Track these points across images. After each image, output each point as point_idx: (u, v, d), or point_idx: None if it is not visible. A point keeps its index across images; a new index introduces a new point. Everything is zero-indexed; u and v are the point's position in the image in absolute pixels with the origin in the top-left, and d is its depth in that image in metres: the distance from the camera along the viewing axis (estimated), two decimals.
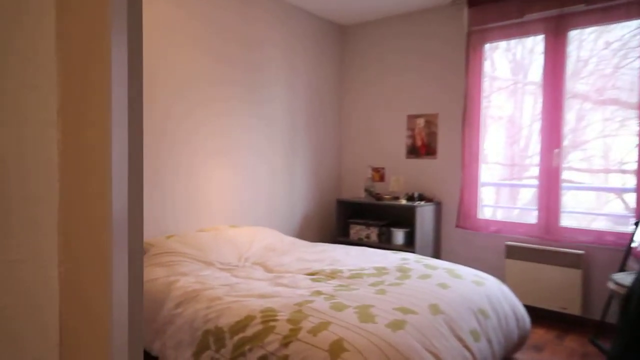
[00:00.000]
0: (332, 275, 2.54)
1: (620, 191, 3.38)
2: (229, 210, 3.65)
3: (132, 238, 0.61)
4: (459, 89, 3.95)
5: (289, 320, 1.85)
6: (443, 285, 2.34)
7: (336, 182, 4.79)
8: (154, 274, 2.56)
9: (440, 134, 4.11)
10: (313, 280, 2.46)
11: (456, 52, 3.96)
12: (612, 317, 3.03)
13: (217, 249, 2.95)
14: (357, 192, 4.64)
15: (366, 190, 4.34)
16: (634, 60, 3.21)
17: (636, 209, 3.11)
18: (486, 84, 3.83)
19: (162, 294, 2.35)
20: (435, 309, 2.04)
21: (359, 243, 4.11)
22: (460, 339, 1.95)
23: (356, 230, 4.21)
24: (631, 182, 3.21)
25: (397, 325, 1.83)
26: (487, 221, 3.81)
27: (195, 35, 3.33)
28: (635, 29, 3.18)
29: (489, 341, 2.15)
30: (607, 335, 3.08)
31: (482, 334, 2.11)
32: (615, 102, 3.33)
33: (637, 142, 3.13)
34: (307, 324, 1.81)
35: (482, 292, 2.38)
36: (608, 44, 3.33)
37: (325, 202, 4.61)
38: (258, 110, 3.86)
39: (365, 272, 2.59)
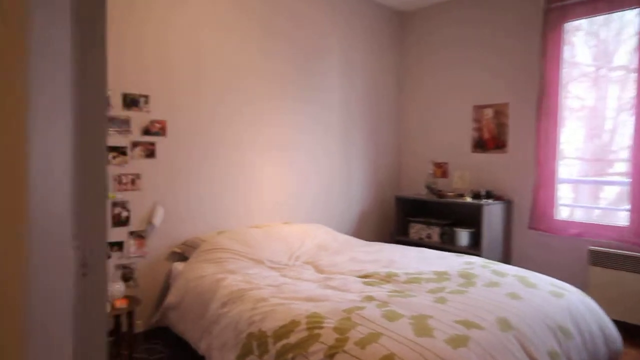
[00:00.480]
0: (387, 278, 2.34)
1: None
2: (282, 207, 3.55)
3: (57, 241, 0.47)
4: (533, 75, 3.54)
5: (335, 329, 1.69)
6: (514, 296, 2.05)
7: (395, 178, 4.54)
8: (202, 270, 2.51)
9: (511, 126, 3.72)
10: (365, 283, 2.28)
11: (531, 33, 3.55)
12: None
13: (267, 247, 2.86)
14: (417, 189, 4.36)
15: (427, 186, 4.05)
16: None
17: None
18: (565, 71, 3.40)
19: (210, 292, 2.29)
20: (504, 324, 1.77)
21: (419, 243, 3.85)
22: None
23: (416, 230, 3.94)
24: None
25: (458, 341, 1.59)
26: (567, 222, 3.39)
27: (244, 27, 3.26)
28: None
29: None
30: None
31: (562, 356, 1.80)
32: None
33: None
34: (355, 334, 1.64)
35: (562, 306, 2.06)
36: None
37: (384, 199, 4.39)
38: (312, 104, 3.72)
39: (424, 276, 2.35)
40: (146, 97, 2.79)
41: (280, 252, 2.86)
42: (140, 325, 2.73)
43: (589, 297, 2.32)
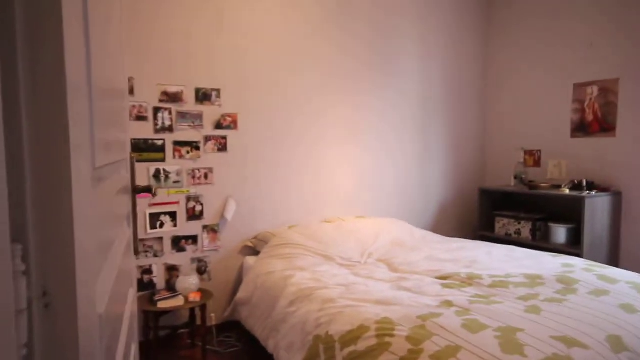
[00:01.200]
0: (469, 281, 2.09)
1: None
2: (356, 200, 3.41)
3: None
4: None
5: (408, 338, 1.51)
6: (628, 308, 1.71)
7: (479, 168, 4.16)
8: (271, 266, 2.47)
9: (621, 105, 3.19)
10: (444, 286, 2.06)
11: None
12: None
13: (339, 243, 2.74)
14: (505, 180, 3.95)
15: (516, 177, 3.65)
16: None
17: None
18: None
19: (278, 289, 2.22)
20: (617, 344, 1.46)
21: (506, 240, 3.48)
22: None
23: (503, 225, 3.57)
24: None
25: None
26: None
27: (318, 11, 3.13)
28: None
29: None
30: None
31: None
32: None
33: None
34: (430, 346, 1.45)
35: None
36: None
37: (466, 191, 4.05)
38: (386, 92, 3.51)
39: (513, 280, 2.07)
40: (218, 91, 2.80)
41: (352, 249, 2.72)
42: (214, 319, 2.77)
43: None
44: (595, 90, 3.33)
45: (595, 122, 3.34)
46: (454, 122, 3.94)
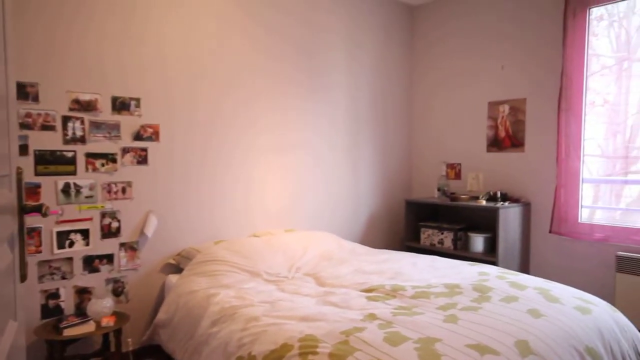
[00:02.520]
0: (393, 293, 2.13)
1: None
2: (285, 213, 3.37)
3: None
4: (553, 68, 3.29)
5: (331, 355, 1.49)
6: (535, 313, 1.83)
7: (405, 181, 4.32)
8: (195, 284, 2.35)
9: (528, 123, 3.48)
10: (369, 299, 2.08)
11: (551, 22, 3.30)
12: None
13: (266, 257, 2.68)
14: (429, 192, 4.14)
15: (439, 189, 3.82)
16: None
17: None
18: (586, 64, 3.14)
19: (201, 309, 2.12)
20: (524, 348, 1.55)
21: (431, 250, 3.63)
22: None
23: (428, 235, 3.72)
24: None
25: None
26: (592, 226, 3.13)
27: (243, 25, 3.10)
28: None
29: None
30: None
31: None
32: None
33: None
34: None
35: (589, 324, 1.82)
36: None
37: (393, 203, 4.17)
38: (316, 105, 3.54)
39: (434, 290, 2.14)
40: (137, 100, 2.64)
41: (280, 263, 2.68)
42: (131, 344, 2.58)
43: (619, 312, 2.08)
44: (506, 108, 3.60)
45: (507, 138, 3.60)
46: (383, 136, 4.06)
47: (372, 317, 1.82)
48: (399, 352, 1.48)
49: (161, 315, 2.36)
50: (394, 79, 4.15)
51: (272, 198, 3.29)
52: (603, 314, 1.95)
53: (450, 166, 4.01)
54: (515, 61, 3.53)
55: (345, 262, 2.75)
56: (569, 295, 2.08)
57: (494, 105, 3.69)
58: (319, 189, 3.58)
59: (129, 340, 2.57)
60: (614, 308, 2.08)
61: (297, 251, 2.82)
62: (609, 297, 2.96)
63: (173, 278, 2.63)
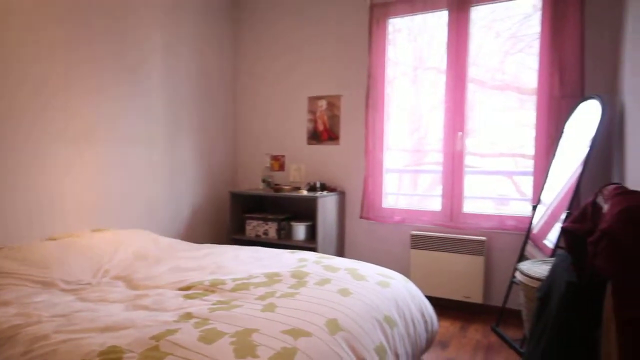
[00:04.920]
0: (212, 288, 2.05)
1: (520, 175, 3.33)
2: (93, 211, 2.96)
3: None
4: (362, 69, 3.65)
5: None
6: (344, 292, 1.99)
7: (230, 173, 4.26)
8: None
9: (343, 118, 3.79)
10: (186, 297, 1.95)
11: (360, 28, 3.64)
12: (512, 304, 2.98)
13: (64, 263, 2.29)
14: (254, 184, 4.17)
15: (264, 180, 3.88)
16: (530, 47, 3.15)
17: (533, 194, 3.07)
18: (389, 69, 3.58)
19: None
20: (333, 326, 1.66)
21: (256, 241, 3.66)
22: None
23: (253, 227, 3.74)
24: (530, 166, 3.15)
25: (284, 357, 1.41)
26: (392, 210, 3.59)
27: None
28: (529, 16, 3.12)
29: (397, 355, 1.85)
30: (507, 322, 3.03)
31: (388, 349, 1.79)
32: (510, 87, 3.26)
33: (534, 127, 3.07)
34: None
35: (388, 296, 2.07)
36: (504, 29, 3.24)
37: (218, 195, 4.07)
38: (129, 90, 3.18)
39: (254, 280, 2.14)
40: None
41: (83, 269, 2.32)
42: None
43: (411, 282, 2.42)
44: (324, 104, 3.85)
45: (325, 132, 3.86)
46: (205, 129, 3.91)
47: (187, 316, 1.71)
48: (213, 350, 1.42)
49: None
50: (217, 70, 4.03)
51: (75, 194, 2.84)
52: (399, 286, 2.24)
53: (275, 158, 4.11)
54: (332, 60, 3.80)
55: (163, 261, 2.55)
56: (373, 272, 2.33)
57: (313, 100, 3.91)
58: (133, 183, 3.25)
59: None
60: (407, 279, 2.42)
61: (106, 253, 2.50)
62: (406, 270, 3.44)
63: None
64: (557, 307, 1.46)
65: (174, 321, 1.66)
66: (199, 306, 1.82)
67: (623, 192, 1.40)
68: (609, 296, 1.30)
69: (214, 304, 1.84)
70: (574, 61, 2.87)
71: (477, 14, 3.27)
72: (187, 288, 2.07)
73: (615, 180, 2.64)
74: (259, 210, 3.97)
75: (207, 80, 3.91)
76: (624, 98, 2.54)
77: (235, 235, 3.80)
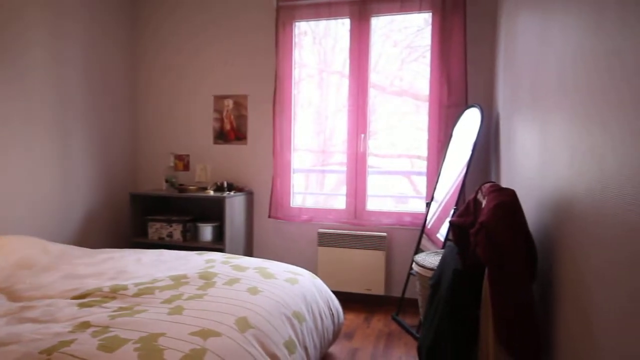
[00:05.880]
0: (112, 294, 1.94)
1: (416, 175, 3.62)
2: None
3: None
4: (269, 69, 3.68)
5: None
6: (254, 290, 2.00)
7: (130, 173, 4.01)
8: None
9: (250, 118, 3.78)
10: (81, 305, 1.82)
11: (267, 29, 3.67)
12: (411, 293, 3.23)
13: None
14: (157, 184, 3.97)
15: (167, 181, 3.72)
16: (423, 57, 3.45)
17: (427, 192, 3.36)
18: (296, 71, 3.66)
19: None
20: (243, 324, 1.67)
21: (159, 244, 3.49)
22: (273, 357, 1.64)
23: (156, 229, 3.56)
24: (424, 167, 3.45)
25: (193, 358, 1.39)
26: (300, 209, 3.68)
27: None
28: (422, 28, 3.42)
29: (305, 348, 1.91)
30: (406, 310, 3.28)
31: (297, 343, 1.85)
32: (407, 93, 3.54)
33: (427, 131, 3.37)
34: None
35: (297, 292, 2.13)
36: (402, 39, 3.51)
37: (116, 197, 3.81)
38: (9, 81, 2.83)
39: (159, 284, 2.06)
40: None
41: None
42: None
43: (318, 278, 2.51)
44: (231, 103, 3.81)
45: (232, 131, 3.82)
46: (102, 128, 3.63)
47: (84, 325, 1.59)
48: (115, 358, 1.35)
49: None
50: (114, 65, 3.77)
51: None
52: (306, 282, 2.32)
53: (179, 157, 3.96)
54: (239, 60, 3.77)
55: (53, 269, 2.32)
56: (281, 270, 2.38)
57: (219, 99, 3.84)
58: (16, 185, 2.90)
59: None
60: (315, 276, 2.51)
61: None
62: (313, 267, 3.55)
63: None
64: (446, 292, 1.64)
65: (69, 332, 1.54)
66: (97, 314, 1.71)
67: (497, 189, 1.62)
68: (486, 280, 1.50)
69: (114, 311, 1.74)
70: (459, 73, 3.21)
71: (377, 23, 3.49)
72: (83, 296, 1.93)
73: (493, 179, 3.01)
74: (162, 212, 3.80)
75: (102, 73, 3.63)
76: (499, 108, 2.91)
77: (137, 238, 3.59)
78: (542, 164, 1.65)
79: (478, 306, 1.59)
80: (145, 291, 1.96)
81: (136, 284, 2.04)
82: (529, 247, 1.47)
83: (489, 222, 1.46)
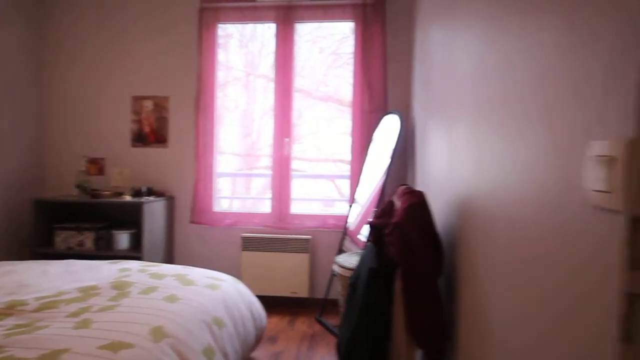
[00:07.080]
0: (9, 310, 1.76)
1: (340, 178, 3.72)
2: None
3: None
4: (192, 71, 3.57)
5: None
6: (171, 298, 1.93)
7: (35, 178, 3.67)
8: None
9: (171, 120, 3.65)
10: None
11: (190, 30, 3.56)
12: (333, 294, 3.30)
13: None
14: (67, 189, 3.68)
15: (78, 186, 3.46)
16: (348, 64, 3.56)
17: (350, 194, 3.47)
18: (221, 74, 3.60)
19: None
20: (158, 334, 1.61)
21: (68, 254, 3.23)
22: None
23: (64, 238, 3.30)
24: (348, 170, 3.55)
25: None
26: (224, 214, 3.61)
27: None
28: (347, 36, 3.53)
29: (225, 354, 1.88)
30: (329, 311, 3.34)
31: (217, 350, 1.81)
32: (332, 98, 3.64)
33: (350, 136, 3.48)
34: None
35: (217, 298, 2.09)
36: (327, 46, 3.59)
37: (17, 203, 3.47)
38: None
39: (65, 297, 1.91)
40: None
41: None
42: None
43: (241, 283, 2.48)
44: (150, 104, 3.64)
45: (151, 134, 3.65)
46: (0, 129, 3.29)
47: None
48: None
49: None
50: (15, 62, 3.44)
51: None
52: (229, 287, 2.28)
53: (93, 161, 3.71)
54: (159, 60, 3.63)
55: None
56: (202, 276, 2.32)
57: (138, 100, 3.66)
58: None
59: None
60: (238, 280, 2.47)
61: None
62: (237, 272, 3.49)
63: None
64: (362, 290, 1.71)
65: None
66: None
67: (409, 192, 1.72)
68: (398, 278, 1.59)
69: (10, 329, 1.59)
70: (380, 81, 3.36)
71: (302, 29, 3.54)
72: None
73: (410, 182, 3.18)
74: (72, 220, 3.52)
75: (2, 74, 3.30)
76: (415, 115, 3.09)
77: (41, 249, 3.29)
78: (450, 168, 1.78)
79: (391, 303, 1.67)
80: (48, 305, 1.81)
81: (37, 298, 1.87)
82: (437, 243, 1.58)
83: (400, 222, 1.54)
